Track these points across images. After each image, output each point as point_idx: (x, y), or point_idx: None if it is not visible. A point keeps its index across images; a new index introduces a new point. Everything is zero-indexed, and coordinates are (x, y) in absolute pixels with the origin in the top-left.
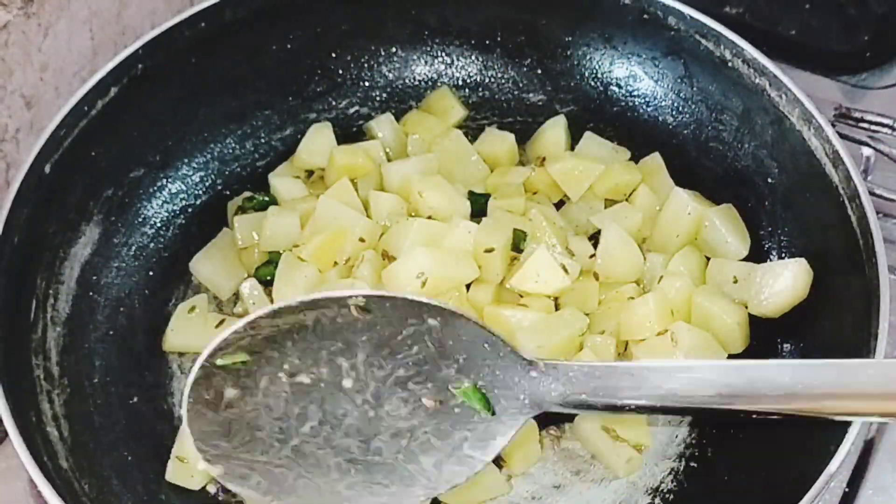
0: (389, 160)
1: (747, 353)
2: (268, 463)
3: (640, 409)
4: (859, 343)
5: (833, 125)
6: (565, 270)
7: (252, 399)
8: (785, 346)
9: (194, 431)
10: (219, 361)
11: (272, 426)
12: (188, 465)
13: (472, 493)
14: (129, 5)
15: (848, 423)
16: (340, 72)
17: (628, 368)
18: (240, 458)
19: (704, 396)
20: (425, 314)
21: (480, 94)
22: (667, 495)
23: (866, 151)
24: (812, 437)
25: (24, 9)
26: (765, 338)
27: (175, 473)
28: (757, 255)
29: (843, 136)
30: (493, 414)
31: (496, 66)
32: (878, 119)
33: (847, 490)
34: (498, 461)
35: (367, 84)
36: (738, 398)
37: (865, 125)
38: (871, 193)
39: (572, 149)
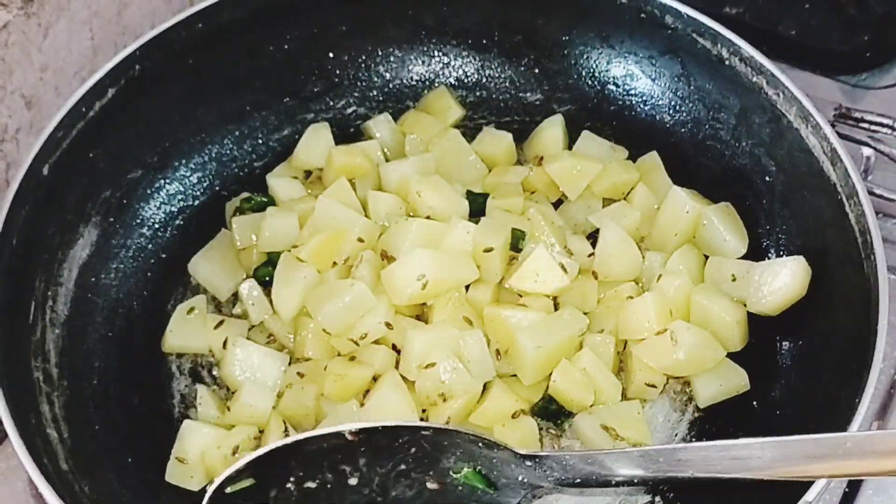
0: (387, 160)
1: (746, 351)
2: None
3: (632, 483)
4: (858, 340)
5: (833, 125)
6: (564, 270)
7: None
8: (784, 344)
9: None
10: (228, 490)
11: None
12: (188, 465)
13: None
14: (129, 5)
15: (847, 424)
16: (338, 72)
17: (619, 456)
18: None
19: (689, 471)
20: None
21: (478, 93)
22: (667, 493)
23: (866, 151)
24: (815, 433)
25: (24, 9)
26: (764, 336)
27: (175, 474)
28: (755, 253)
29: (843, 136)
30: (496, 489)
31: (494, 66)
32: (878, 119)
33: (847, 490)
34: None
35: (364, 84)
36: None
37: (865, 125)
38: (871, 193)
39: (570, 148)
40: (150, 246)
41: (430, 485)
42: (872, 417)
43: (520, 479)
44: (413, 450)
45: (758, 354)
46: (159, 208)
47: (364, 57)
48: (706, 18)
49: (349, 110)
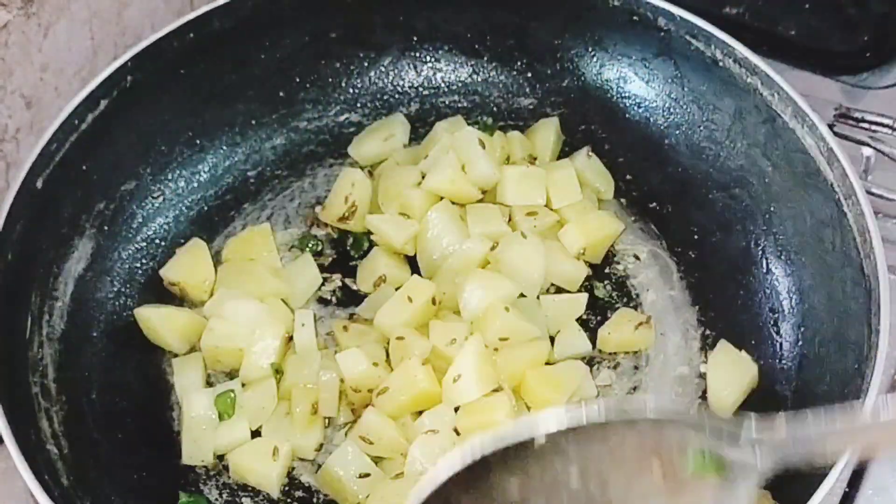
0: None
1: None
2: None
3: None
4: (861, 339)
5: (832, 125)
6: None
7: None
8: (784, 346)
9: None
10: None
11: None
12: None
13: None
14: (129, 5)
15: None
16: (330, 79)
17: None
18: None
19: None
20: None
21: (471, 98)
22: None
23: (866, 151)
24: None
25: (24, 9)
26: (764, 339)
27: None
28: (751, 255)
29: (842, 136)
30: (726, 476)
31: (486, 71)
32: (878, 119)
33: (847, 490)
34: None
35: (356, 91)
36: None
37: (865, 125)
38: (871, 193)
39: (563, 152)
40: (145, 258)
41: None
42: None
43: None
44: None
45: (759, 357)
46: (154, 219)
47: (356, 63)
48: (699, 20)
49: (342, 117)
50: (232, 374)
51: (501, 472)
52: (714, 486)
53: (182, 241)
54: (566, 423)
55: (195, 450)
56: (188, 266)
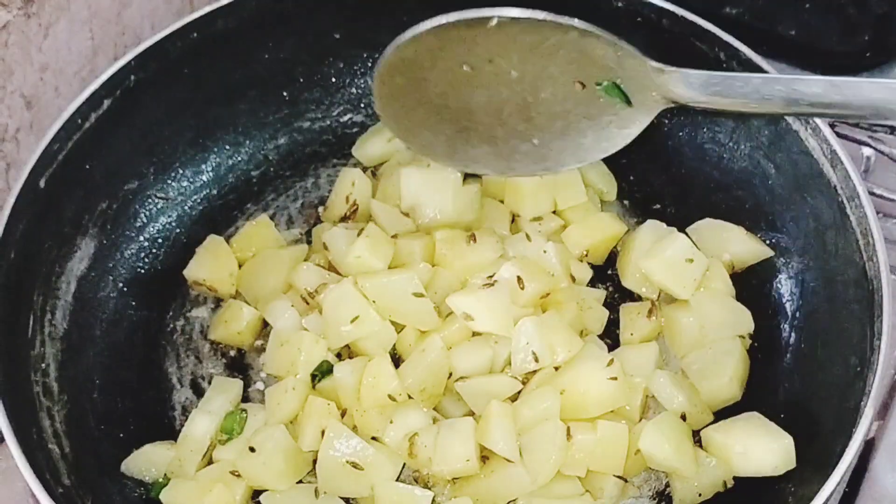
0: None
1: (749, 356)
2: (448, 136)
3: (754, 115)
4: (863, 342)
5: (833, 125)
6: None
7: (431, 85)
8: (787, 347)
9: (385, 114)
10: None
11: (449, 104)
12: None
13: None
14: (129, 5)
15: (852, 429)
16: (333, 80)
17: (744, 78)
18: (423, 132)
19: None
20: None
21: None
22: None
23: (866, 151)
24: (819, 438)
25: (24, 9)
26: (766, 339)
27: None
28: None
29: (843, 137)
30: (631, 105)
31: None
32: None
33: (847, 490)
34: None
35: (360, 91)
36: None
37: (865, 125)
38: (871, 193)
39: None
40: (147, 257)
41: (577, 85)
42: (873, 417)
43: (653, 94)
44: (561, 52)
45: (761, 359)
46: (157, 219)
47: (359, 64)
48: (703, 21)
49: (345, 118)
50: None
51: (460, 53)
52: (619, 108)
53: (185, 240)
54: (516, 13)
55: (178, 467)
56: (211, 262)
